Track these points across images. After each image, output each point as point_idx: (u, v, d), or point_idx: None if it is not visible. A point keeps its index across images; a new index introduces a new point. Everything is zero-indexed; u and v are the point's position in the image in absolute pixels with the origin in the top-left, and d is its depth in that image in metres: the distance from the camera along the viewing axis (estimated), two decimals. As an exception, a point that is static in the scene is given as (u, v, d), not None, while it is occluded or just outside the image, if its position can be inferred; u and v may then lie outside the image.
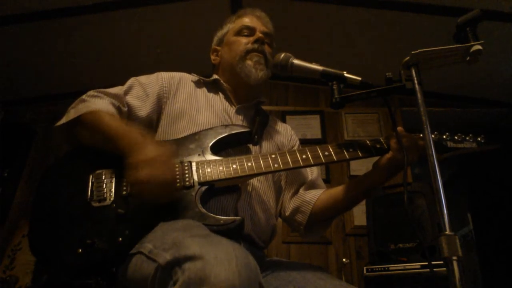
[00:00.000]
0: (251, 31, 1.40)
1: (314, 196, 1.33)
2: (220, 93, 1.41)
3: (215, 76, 1.42)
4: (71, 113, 1.17)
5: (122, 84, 1.32)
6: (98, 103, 1.18)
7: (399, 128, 1.13)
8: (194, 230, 0.89)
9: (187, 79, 1.40)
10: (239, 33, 1.41)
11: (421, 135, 1.15)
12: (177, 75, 1.39)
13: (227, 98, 1.39)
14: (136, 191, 1.02)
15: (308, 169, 1.41)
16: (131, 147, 1.03)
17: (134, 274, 0.89)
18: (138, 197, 1.02)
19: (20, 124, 3.53)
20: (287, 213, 1.36)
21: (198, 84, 1.41)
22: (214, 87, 1.42)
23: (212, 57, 1.50)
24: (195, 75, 1.43)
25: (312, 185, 1.39)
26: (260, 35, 1.38)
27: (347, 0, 2.75)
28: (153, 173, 0.97)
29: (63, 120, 1.18)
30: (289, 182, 1.40)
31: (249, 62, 1.34)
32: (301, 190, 1.38)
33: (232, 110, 1.36)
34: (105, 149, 1.11)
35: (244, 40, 1.38)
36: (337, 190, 1.28)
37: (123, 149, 1.04)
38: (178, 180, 1.07)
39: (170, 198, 1.03)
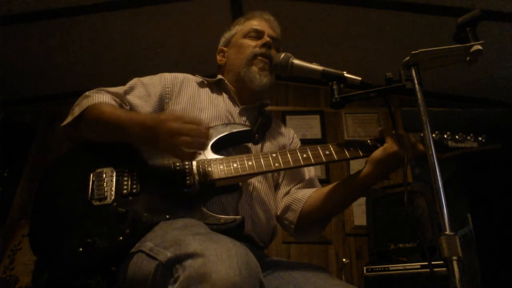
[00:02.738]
0: (259, 34, 1.41)
1: (306, 194, 1.31)
2: (224, 93, 1.41)
3: (219, 76, 1.42)
4: (76, 111, 1.18)
5: (122, 83, 1.32)
6: (100, 97, 1.19)
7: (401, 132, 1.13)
8: (195, 229, 0.89)
9: (190, 80, 1.40)
10: (247, 35, 1.42)
11: (415, 135, 1.15)
12: (180, 76, 1.39)
13: (230, 98, 1.40)
14: (169, 144, 1.01)
15: (305, 169, 1.41)
16: (145, 124, 1.04)
17: (134, 273, 0.89)
18: (172, 149, 1.02)
19: (20, 124, 3.53)
20: (278, 212, 1.35)
21: (201, 85, 1.41)
22: (218, 87, 1.43)
23: (218, 57, 1.50)
24: (199, 76, 1.44)
25: (307, 185, 1.38)
26: (268, 39, 1.38)
27: (347, 0, 2.75)
28: (181, 125, 1.00)
29: (69, 119, 1.19)
30: (286, 182, 1.39)
31: (254, 68, 1.34)
32: (293, 189, 1.36)
33: (235, 110, 1.36)
34: (114, 139, 1.11)
35: (252, 43, 1.39)
36: (330, 188, 1.26)
37: (135, 134, 1.05)
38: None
39: (200, 147, 1.04)
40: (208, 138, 1.05)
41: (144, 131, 1.05)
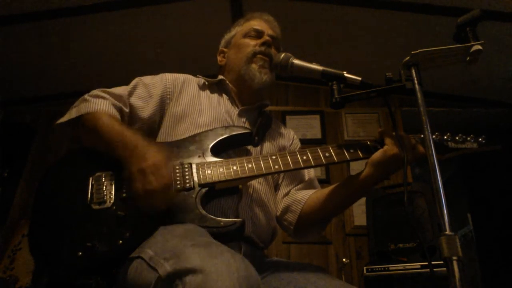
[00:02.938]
0: (259, 33, 1.41)
1: (306, 195, 1.31)
2: (224, 94, 1.41)
3: (220, 77, 1.42)
4: (73, 112, 1.18)
5: (123, 83, 1.32)
6: (99, 103, 1.18)
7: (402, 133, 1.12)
8: (195, 238, 0.88)
9: (191, 81, 1.40)
10: (247, 35, 1.42)
11: (415, 136, 1.15)
12: (181, 77, 1.39)
13: (231, 99, 1.40)
14: (136, 203, 1.02)
15: (305, 170, 1.40)
16: (127, 156, 1.04)
17: (134, 280, 0.89)
18: (139, 208, 1.02)
19: (20, 124, 3.53)
20: (278, 213, 1.34)
21: (202, 86, 1.41)
22: (218, 88, 1.42)
23: (219, 58, 1.50)
24: (201, 77, 1.44)
25: (307, 186, 1.38)
26: (268, 38, 1.39)
27: (347, 0, 2.75)
28: (147, 185, 0.98)
29: (64, 118, 1.19)
30: (286, 182, 1.38)
31: (254, 66, 1.34)
32: (293, 190, 1.36)
33: (234, 112, 1.36)
34: (105, 153, 1.11)
35: (252, 42, 1.39)
36: (330, 189, 1.25)
37: (121, 158, 1.05)
38: (178, 182, 1.07)
39: (168, 204, 1.03)
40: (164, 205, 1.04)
41: (127, 154, 1.05)
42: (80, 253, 0.96)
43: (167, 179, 1.02)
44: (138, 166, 1.00)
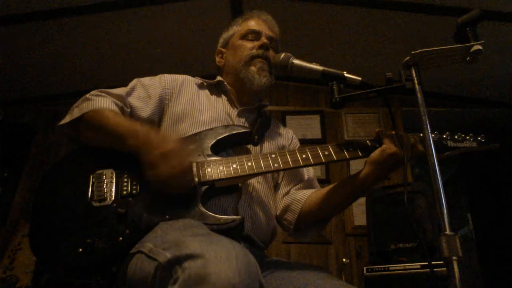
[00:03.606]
0: (256, 35, 1.41)
1: (305, 195, 1.32)
2: (223, 95, 1.41)
3: (219, 78, 1.43)
4: (75, 112, 1.17)
5: (122, 83, 1.32)
6: (101, 101, 1.18)
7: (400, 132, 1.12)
8: (194, 229, 0.89)
9: (189, 81, 1.40)
10: (244, 37, 1.42)
11: (413, 135, 1.15)
12: (180, 77, 1.39)
13: (230, 100, 1.40)
14: (159, 187, 1.03)
15: (305, 169, 1.41)
16: (141, 145, 1.04)
17: (134, 273, 0.89)
18: (161, 192, 1.04)
19: (20, 124, 3.53)
20: (278, 212, 1.35)
21: (200, 86, 1.41)
22: (217, 89, 1.43)
23: (217, 58, 1.50)
24: (199, 78, 1.44)
25: (306, 185, 1.39)
26: (265, 40, 1.39)
27: (347, 0, 2.75)
28: (171, 168, 1.00)
29: (66, 119, 1.18)
30: (285, 182, 1.39)
31: (253, 68, 1.35)
32: (293, 190, 1.37)
33: (234, 112, 1.36)
34: (111, 148, 1.11)
35: (249, 44, 1.39)
36: (329, 189, 1.26)
37: (134, 148, 1.05)
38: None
39: (189, 186, 1.06)
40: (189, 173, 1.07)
41: (142, 142, 1.05)
42: (80, 250, 0.97)
43: (188, 162, 1.05)
44: (159, 151, 1.01)
